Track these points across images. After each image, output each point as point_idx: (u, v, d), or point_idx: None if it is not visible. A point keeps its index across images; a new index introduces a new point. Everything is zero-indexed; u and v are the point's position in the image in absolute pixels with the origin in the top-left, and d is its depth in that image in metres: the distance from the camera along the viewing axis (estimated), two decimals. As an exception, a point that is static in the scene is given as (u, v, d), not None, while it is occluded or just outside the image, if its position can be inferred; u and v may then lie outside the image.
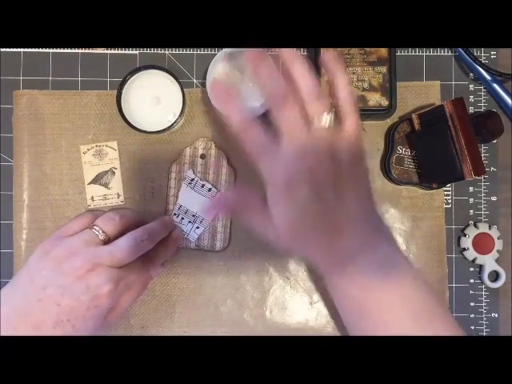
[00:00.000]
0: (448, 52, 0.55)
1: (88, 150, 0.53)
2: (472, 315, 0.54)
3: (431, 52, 0.55)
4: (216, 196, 0.40)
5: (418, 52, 0.55)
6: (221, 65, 0.48)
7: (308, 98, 0.39)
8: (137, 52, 0.54)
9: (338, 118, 0.40)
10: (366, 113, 0.51)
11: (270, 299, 0.53)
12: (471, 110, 0.55)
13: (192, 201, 0.52)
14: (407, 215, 0.54)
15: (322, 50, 0.44)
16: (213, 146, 0.53)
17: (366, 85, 0.51)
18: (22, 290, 0.43)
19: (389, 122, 0.54)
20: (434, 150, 0.49)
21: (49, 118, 0.53)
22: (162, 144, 0.53)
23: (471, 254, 0.53)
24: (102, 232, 0.45)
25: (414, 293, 0.40)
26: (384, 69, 0.51)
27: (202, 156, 0.53)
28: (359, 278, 0.39)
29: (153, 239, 0.46)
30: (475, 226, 0.53)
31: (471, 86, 0.55)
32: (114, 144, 0.53)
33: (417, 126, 0.51)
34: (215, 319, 0.53)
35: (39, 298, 0.42)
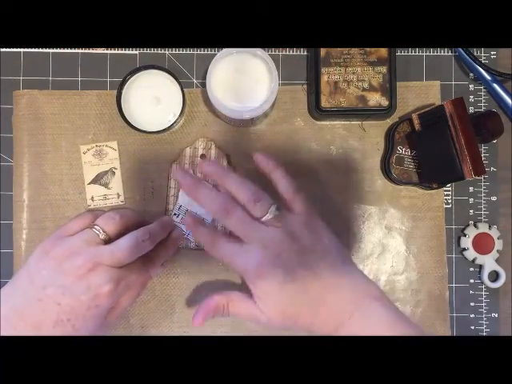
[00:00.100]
0: (448, 52, 0.55)
1: (88, 149, 0.53)
2: (472, 315, 0.54)
3: (431, 52, 0.55)
4: (201, 306, 0.43)
5: (418, 52, 0.55)
6: (221, 65, 0.48)
7: (249, 205, 0.42)
8: (137, 52, 0.54)
9: (285, 204, 0.44)
10: (366, 113, 0.51)
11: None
12: (471, 110, 0.55)
13: (192, 201, 0.52)
14: (407, 215, 0.54)
15: (253, 154, 0.45)
16: (213, 145, 0.53)
17: (366, 85, 0.51)
18: (21, 289, 0.43)
19: (389, 121, 0.54)
20: (434, 150, 0.49)
21: (49, 118, 0.53)
22: (162, 144, 0.53)
23: (471, 253, 0.53)
24: (103, 231, 0.45)
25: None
26: (384, 69, 0.51)
27: (202, 156, 0.53)
28: (353, 334, 0.40)
29: (153, 240, 0.46)
30: (475, 226, 0.53)
31: (471, 86, 0.55)
32: (114, 144, 0.53)
33: (417, 126, 0.51)
34: (215, 319, 0.53)
35: (39, 297, 0.42)
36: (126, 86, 0.51)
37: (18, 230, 0.53)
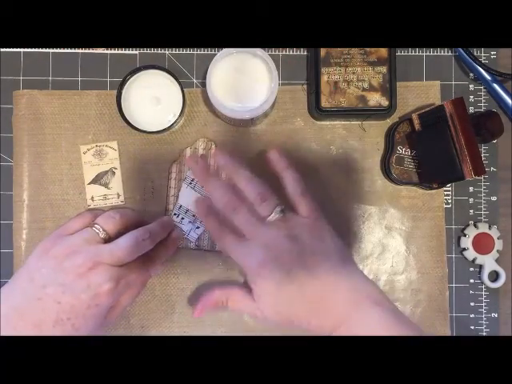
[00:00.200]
0: (448, 52, 0.55)
1: (88, 149, 0.53)
2: (472, 315, 0.54)
3: (431, 52, 0.55)
4: (201, 298, 0.45)
5: (418, 52, 0.55)
6: (221, 65, 0.48)
7: (255, 203, 0.43)
8: (137, 52, 0.54)
9: (292, 205, 0.44)
10: (366, 113, 0.51)
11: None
12: (471, 110, 0.55)
13: (192, 200, 0.52)
14: (407, 215, 0.54)
15: (269, 150, 0.46)
16: (213, 146, 0.53)
17: (366, 85, 0.51)
18: (21, 289, 0.43)
19: (389, 122, 0.54)
20: (434, 150, 0.49)
21: (49, 118, 0.53)
22: (162, 144, 0.53)
23: (471, 253, 0.53)
24: (103, 230, 0.45)
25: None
26: (384, 69, 0.51)
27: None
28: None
29: (153, 239, 0.46)
30: (475, 226, 0.53)
31: (471, 86, 0.55)
32: (114, 144, 0.53)
33: (417, 126, 0.51)
34: (215, 319, 0.53)
35: (39, 296, 0.42)
36: (125, 86, 0.51)
37: (18, 229, 0.53)
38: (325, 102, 0.51)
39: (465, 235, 0.53)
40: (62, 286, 0.42)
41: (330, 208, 0.53)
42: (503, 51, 0.55)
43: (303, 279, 0.41)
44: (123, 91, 0.51)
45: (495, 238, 0.53)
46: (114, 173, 0.53)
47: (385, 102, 0.51)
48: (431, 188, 0.53)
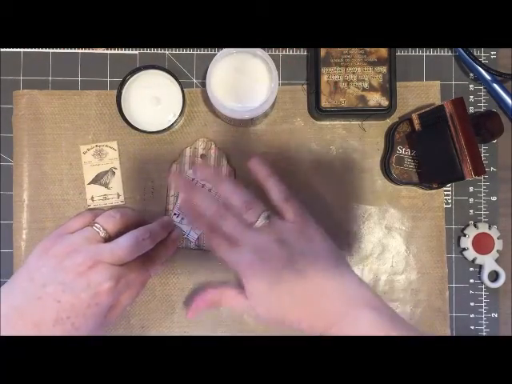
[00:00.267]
0: (448, 52, 0.55)
1: (88, 149, 0.53)
2: (472, 315, 0.54)
3: (431, 52, 0.55)
4: (195, 298, 0.46)
5: (418, 52, 0.55)
6: (221, 65, 0.48)
7: (241, 211, 0.44)
8: (137, 52, 0.54)
9: (279, 212, 0.45)
10: (366, 113, 0.51)
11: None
12: (471, 110, 0.55)
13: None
14: (407, 215, 0.54)
15: (250, 159, 0.46)
16: (213, 145, 0.53)
17: (366, 85, 0.51)
18: (21, 288, 0.43)
19: (389, 122, 0.54)
20: (434, 150, 0.49)
21: (49, 118, 0.53)
22: (162, 144, 0.53)
23: (471, 253, 0.53)
24: (103, 229, 0.45)
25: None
26: (384, 69, 0.51)
27: (202, 156, 0.53)
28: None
29: (153, 239, 0.46)
30: (475, 226, 0.53)
31: (471, 86, 0.55)
32: (114, 144, 0.53)
33: (417, 126, 0.51)
34: (215, 319, 0.53)
35: (39, 295, 0.42)
36: (125, 86, 0.51)
37: (18, 229, 0.53)
38: (325, 102, 0.51)
39: (465, 235, 0.53)
40: (62, 285, 0.42)
41: (330, 208, 0.53)
42: (503, 51, 0.55)
43: (293, 280, 0.41)
44: (123, 91, 0.51)
45: (495, 238, 0.53)
46: (114, 173, 0.53)
47: (385, 102, 0.51)
48: (431, 188, 0.53)
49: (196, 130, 0.54)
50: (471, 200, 0.54)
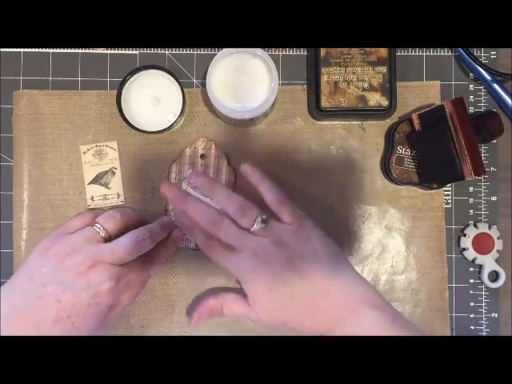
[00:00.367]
0: (448, 52, 0.55)
1: (88, 149, 0.53)
2: (472, 315, 0.54)
3: (431, 52, 0.55)
4: (197, 308, 0.46)
5: (418, 52, 0.55)
6: (221, 65, 0.48)
7: (236, 217, 0.44)
8: (137, 52, 0.54)
9: (274, 215, 0.45)
10: (366, 113, 0.51)
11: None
12: (471, 110, 0.55)
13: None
14: (407, 215, 0.54)
15: (241, 165, 0.47)
16: (213, 145, 0.53)
17: (366, 85, 0.51)
18: (21, 287, 0.43)
19: (389, 122, 0.54)
20: (434, 150, 0.49)
21: (49, 118, 0.53)
22: (162, 144, 0.53)
23: (471, 253, 0.53)
24: (103, 229, 0.45)
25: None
26: (384, 69, 0.51)
27: (202, 156, 0.53)
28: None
29: (153, 239, 0.46)
30: (475, 226, 0.53)
31: (471, 86, 0.55)
32: (114, 144, 0.53)
33: (417, 126, 0.51)
34: (215, 319, 0.53)
35: (39, 295, 0.42)
36: (125, 86, 0.51)
37: (18, 229, 0.53)
38: (325, 102, 0.51)
39: (465, 235, 0.53)
40: (62, 285, 0.42)
41: (330, 208, 0.53)
42: (503, 51, 0.55)
43: (294, 283, 0.41)
44: (123, 91, 0.51)
45: (495, 238, 0.53)
46: (114, 173, 0.53)
47: (385, 102, 0.51)
48: (431, 188, 0.53)
49: (196, 130, 0.53)
50: (471, 200, 0.54)
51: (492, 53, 0.55)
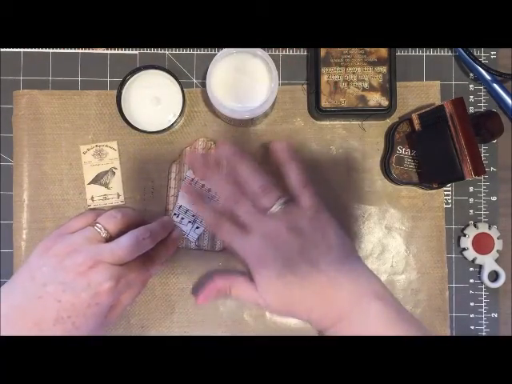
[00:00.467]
0: (448, 52, 0.55)
1: (88, 149, 0.53)
2: (472, 315, 0.54)
3: (431, 52, 0.55)
4: (204, 287, 0.45)
5: (418, 52, 0.55)
6: (221, 65, 0.48)
7: (257, 195, 0.43)
8: (137, 52, 0.54)
9: (293, 197, 0.44)
10: (366, 113, 0.51)
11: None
12: (471, 110, 0.55)
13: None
14: (407, 215, 0.54)
15: (273, 141, 0.46)
16: (213, 146, 0.53)
17: (366, 85, 0.51)
18: (22, 287, 0.43)
19: (389, 122, 0.54)
20: (434, 150, 0.49)
21: (49, 118, 0.53)
22: (162, 144, 0.53)
23: (471, 253, 0.53)
24: (104, 229, 0.45)
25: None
26: (384, 69, 0.51)
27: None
28: (351, 333, 0.40)
29: (154, 238, 0.46)
30: (475, 226, 0.53)
31: (471, 86, 0.55)
32: (114, 144, 0.53)
33: (417, 126, 0.51)
34: (215, 319, 0.53)
35: (39, 295, 0.42)
36: (125, 86, 0.51)
37: (18, 229, 0.53)
38: (325, 102, 0.51)
39: (465, 235, 0.53)
40: (63, 285, 0.42)
41: (330, 208, 0.53)
42: (503, 51, 0.55)
43: (305, 272, 0.41)
44: (123, 91, 0.51)
45: (495, 238, 0.53)
46: (114, 173, 0.53)
47: (385, 102, 0.51)
48: (431, 188, 0.53)
49: (196, 130, 0.54)
50: (471, 200, 0.54)
51: (492, 53, 0.55)
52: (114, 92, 0.51)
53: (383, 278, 0.53)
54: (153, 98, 0.51)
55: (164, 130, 0.51)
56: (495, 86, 0.53)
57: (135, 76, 0.51)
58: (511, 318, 0.54)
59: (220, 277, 0.44)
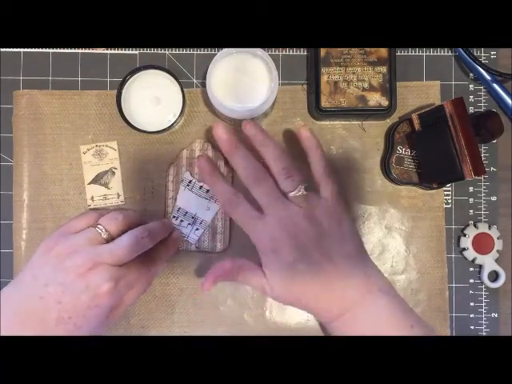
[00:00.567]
0: (448, 52, 0.55)
1: (88, 149, 0.53)
2: (472, 315, 0.54)
3: (431, 52, 0.55)
4: (212, 268, 0.44)
5: (418, 52, 0.55)
6: (221, 65, 0.48)
7: (279, 177, 0.43)
8: (137, 52, 0.54)
9: (314, 186, 0.44)
10: (366, 113, 0.51)
11: (269, 299, 0.53)
12: (471, 110, 0.55)
13: (190, 202, 0.52)
14: (407, 215, 0.54)
15: (300, 128, 0.46)
16: (209, 147, 0.53)
17: (366, 85, 0.51)
18: (25, 286, 0.43)
19: (389, 122, 0.54)
20: (433, 150, 0.49)
21: (49, 118, 0.53)
22: (162, 144, 0.53)
23: (471, 253, 0.53)
24: (105, 231, 0.45)
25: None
26: (384, 69, 0.51)
27: (199, 157, 0.53)
28: (356, 325, 0.40)
29: (153, 237, 0.46)
30: (475, 225, 0.53)
31: (471, 86, 0.55)
32: (114, 144, 0.53)
33: (417, 126, 0.51)
34: (215, 319, 0.53)
35: (41, 295, 0.42)
36: (125, 86, 0.51)
37: (18, 229, 0.53)
38: (325, 102, 0.51)
39: (465, 235, 0.53)
40: (63, 286, 0.42)
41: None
42: (503, 51, 0.55)
43: (318, 261, 0.40)
44: (123, 91, 0.51)
45: (495, 238, 0.53)
46: (113, 173, 0.53)
47: (385, 102, 0.51)
48: (431, 188, 0.53)
49: (196, 130, 0.53)
50: (471, 200, 0.54)
51: (492, 53, 0.55)
52: (114, 92, 0.51)
53: (383, 277, 0.54)
54: (153, 98, 0.51)
55: (164, 130, 0.51)
56: (495, 86, 0.53)
57: (135, 76, 0.51)
58: (511, 318, 0.54)
59: (229, 259, 0.44)
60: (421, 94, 0.54)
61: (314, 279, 0.41)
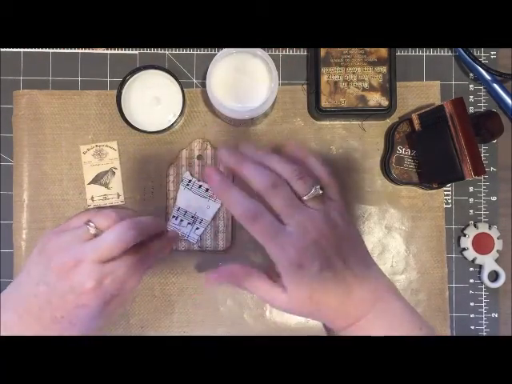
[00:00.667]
0: (448, 52, 0.55)
1: (88, 149, 0.53)
2: (472, 315, 0.54)
3: (431, 52, 0.55)
4: (219, 268, 0.42)
5: (418, 52, 0.55)
6: (221, 65, 0.48)
7: (291, 180, 0.40)
8: (137, 52, 0.54)
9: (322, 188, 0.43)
10: (366, 113, 0.51)
11: (269, 299, 0.53)
12: (471, 110, 0.55)
13: (190, 202, 0.52)
14: (407, 215, 0.54)
15: (286, 144, 0.44)
16: (208, 146, 0.53)
17: (366, 85, 0.51)
18: (22, 284, 0.43)
19: (389, 122, 0.54)
20: (433, 150, 0.49)
21: (49, 118, 0.53)
22: (162, 144, 0.53)
23: (471, 253, 0.53)
24: (95, 228, 0.44)
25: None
26: (384, 69, 0.51)
27: (199, 157, 0.53)
28: (372, 330, 0.40)
29: (140, 231, 0.43)
30: (475, 225, 0.53)
31: (471, 86, 0.55)
32: (114, 144, 0.53)
33: (417, 126, 0.51)
34: (215, 319, 0.53)
35: (34, 293, 0.41)
36: (125, 86, 0.51)
37: (18, 229, 0.53)
38: (325, 102, 0.51)
39: (465, 235, 0.53)
40: (49, 286, 0.41)
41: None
42: (503, 51, 0.55)
43: (339, 267, 0.39)
44: (123, 91, 0.51)
45: (495, 238, 0.53)
46: (113, 173, 0.53)
47: (385, 102, 0.51)
48: (431, 188, 0.53)
49: (196, 130, 0.54)
50: (471, 200, 0.54)
51: (492, 53, 0.55)
52: (114, 92, 0.51)
53: (383, 278, 0.54)
54: (153, 98, 0.51)
55: (164, 130, 0.51)
56: (495, 86, 0.53)
57: (135, 76, 0.51)
58: (511, 318, 0.54)
59: (238, 265, 0.42)
60: (421, 94, 0.54)
61: (336, 286, 0.39)
